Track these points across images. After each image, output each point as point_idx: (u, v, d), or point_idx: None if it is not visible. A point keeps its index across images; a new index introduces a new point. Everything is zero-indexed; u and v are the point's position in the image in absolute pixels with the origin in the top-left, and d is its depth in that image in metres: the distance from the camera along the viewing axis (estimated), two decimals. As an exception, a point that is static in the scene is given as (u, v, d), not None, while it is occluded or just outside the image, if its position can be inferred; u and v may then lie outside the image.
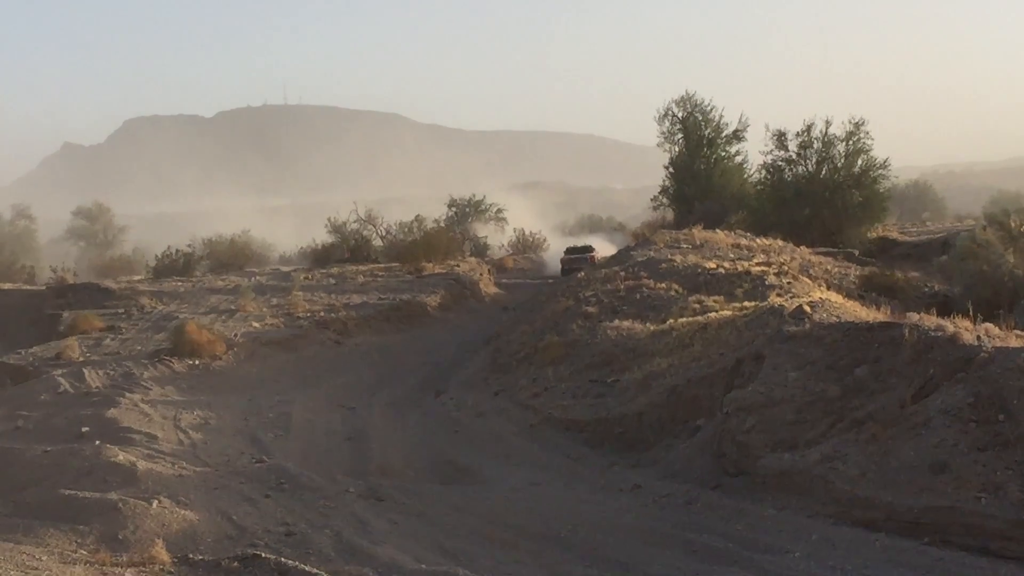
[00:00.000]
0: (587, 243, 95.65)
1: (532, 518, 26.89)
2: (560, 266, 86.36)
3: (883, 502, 23.70)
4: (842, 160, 72.45)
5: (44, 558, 18.54)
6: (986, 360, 25.11)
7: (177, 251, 78.60)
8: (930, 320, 27.79)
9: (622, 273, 46.26)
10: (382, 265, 75.80)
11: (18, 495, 27.54)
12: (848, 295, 37.94)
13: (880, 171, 71.99)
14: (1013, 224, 40.16)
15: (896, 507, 23.45)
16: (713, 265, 44.70)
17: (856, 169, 71.96)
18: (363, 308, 57.47)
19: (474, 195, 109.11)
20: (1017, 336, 26.28)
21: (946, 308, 30.51)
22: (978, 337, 26.23)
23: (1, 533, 22.77)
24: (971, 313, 28.06)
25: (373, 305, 58.36)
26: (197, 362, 45.25)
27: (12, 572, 15.79)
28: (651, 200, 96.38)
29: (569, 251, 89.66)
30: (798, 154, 73.93)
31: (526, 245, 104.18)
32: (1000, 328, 27.22)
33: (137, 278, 78.88)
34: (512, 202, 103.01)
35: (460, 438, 35.66)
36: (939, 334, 26.81)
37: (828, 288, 39.89)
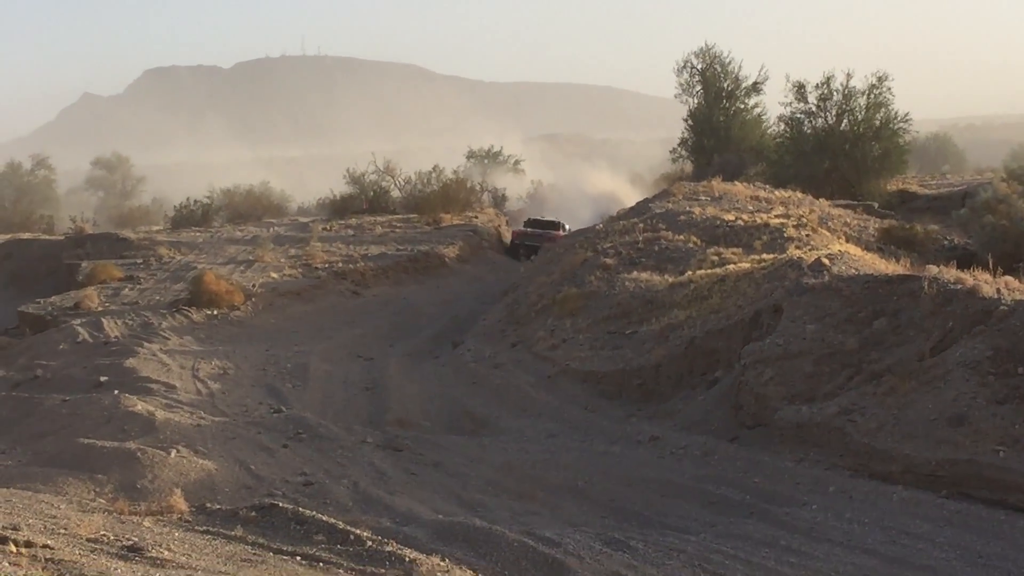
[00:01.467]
0: (554, 218, 73.52)
1: (549, 469, 26.93)
2: (511, 240, 72.14)
3: (901, 455, 23.69)
4: (862, 113, 72.06)
5: (63, 506, 18.58)
6: (1006, 313, 25.03)
7: (195, 201, 78.39)
8: (949, 273, 27.67)
9: (640, 225, 46.10)
10: (400, 216, 75.67)
11: (37, 444, 27.65)
12: (867, 248, 37.78)
13: (900, 124, 71.63)
14: (1033, 177, 40.00)
15: (914, 460, 23.44)
16: (732, 217, 44.52)
17: (876, 122, 71.56)
18: (381, 259, 57.44)
19: (492, 146, 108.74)
20: (1036, 289, 26.18)
21: (966, 261, 30.36)
22: (998, 290, 26.14)
23: (20, 481, 22.88)
24: (991, 266, 27.94)
25: (391, 256, 58.32)
26: (215, 312, 45.30)
27: (31, 520, 15.82)
28: (670, 152, 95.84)
29: (529, 223, 72.60)
30: (818, 106, 73.48)
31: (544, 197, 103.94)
32: (1020, 281, 27.09)
33: (155, 228, 78.84)
34: (530, 153, 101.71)
35: (477, 389, 35.68)
36: (958, 287, 26.72)
37: (847, 241, 39.75)
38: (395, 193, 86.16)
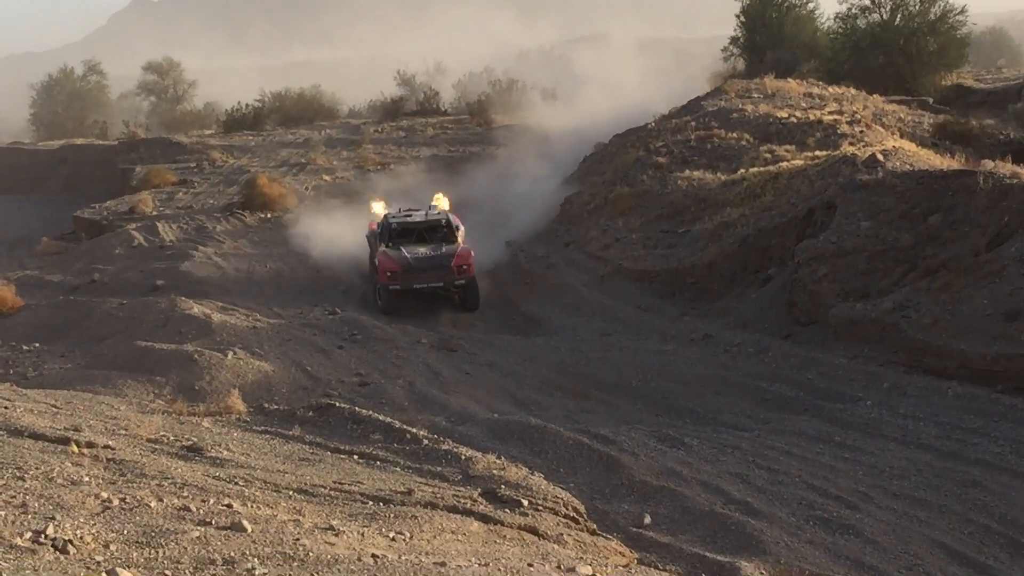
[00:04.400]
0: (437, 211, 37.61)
1: (603, 368, 27.06)
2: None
3: (956, 350, 23.65)
4: (917, 7, 71.04)
5: (123, 408, 18.83)
6: (1062, 207, 24.83)
7: (247, 105, 78.41)
8: (1005, 167, 27.42)
9: (693, 123, 45.80)
10: (451, 118, 75.45)
11: (96, 347, 28.04)
12: (921, 143, 37.38)
13: (956, 17, 70.60)
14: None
15: (969, 355, 23.40)
16: (784, 114, 44.13)
17: (931, 16, 70.59)
18: (433, 160, 57.36)
19: (541, 46, 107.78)
20: (1094, 183, 25.89)
21: (1021, 156, 30.00)
22: (1054, 184, 25.89)
23: (80, 384, 23.22)
24: (1047, 160, 27.70)
25: (443, 157, 58.18)
26: (269, 215, 45.47)
27: (92, 421, 16.04)
28: (721, 50, 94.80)
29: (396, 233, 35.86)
30: (872, 1, 72.51)
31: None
32: (1077, 175, 26.81)
33: (208, 132, 78.94)
34: (579, 55, 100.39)
35: (530, 289, 35.78)
36: (1014, 181, 26.48)
37: (901, 137, 39.36)
38: (447, 94, 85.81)
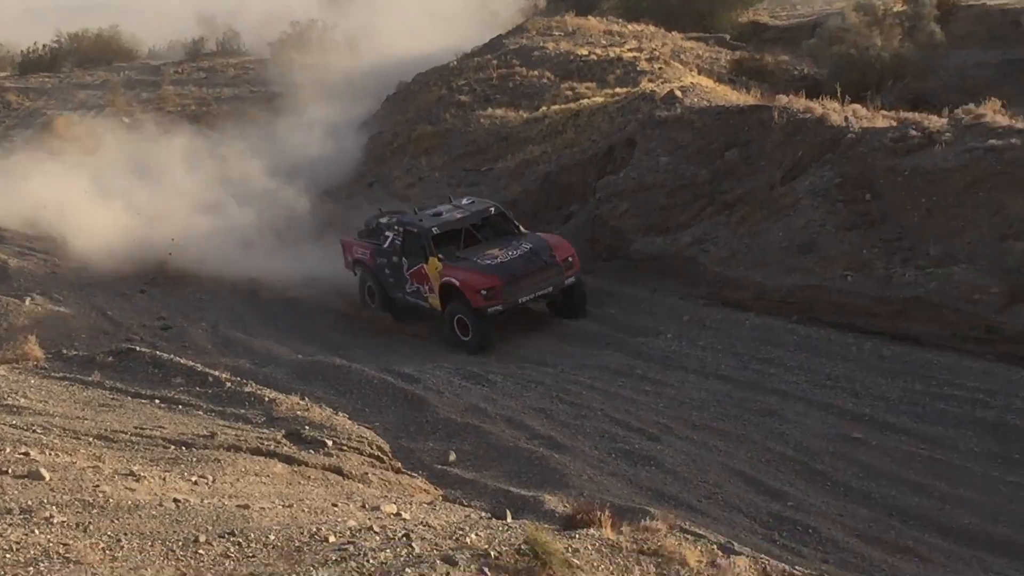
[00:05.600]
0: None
1: (405, 312, 27.07)
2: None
3: (753, 282, 24.20)
4: (714, -56, 71.93)
5: (-87, 358, 18.38)
6: (853, 141, 25.42)
7: (43, 46, 76.22)
8: (799, 102, 27.92)
9: (495, 62, 45.76)
10: (254, 57, 74.21)
11: None
12: (719, 80, 37.86)
13: (752, -45, 71.68)
14: (880, 7, 40.21)
15: (765, 287, 23.97)
16: (585, 52, 44.29)
17: (727, -47, 71.54)
18: (234, 101, 56.40)
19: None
20: (883, 116, 26.49)
21: (815, 91, 30.59)
22: (845, 119, 26.46)
23: None
24: (839, 95, 28.21)
25: (246, 98, 57.25)
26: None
27: None
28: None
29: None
30: (669, -62, 73.21)
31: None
32: (867, 109, 27.42)
33: (3, 75, 76.60)
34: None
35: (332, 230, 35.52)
36: (807, 116, 27.02)
37: (699, 73, 39.78)
38: (246, 35, 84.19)
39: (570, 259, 25.25)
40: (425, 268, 25.88)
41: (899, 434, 18.44)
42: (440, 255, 25.63)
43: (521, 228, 26.56)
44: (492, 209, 26.88)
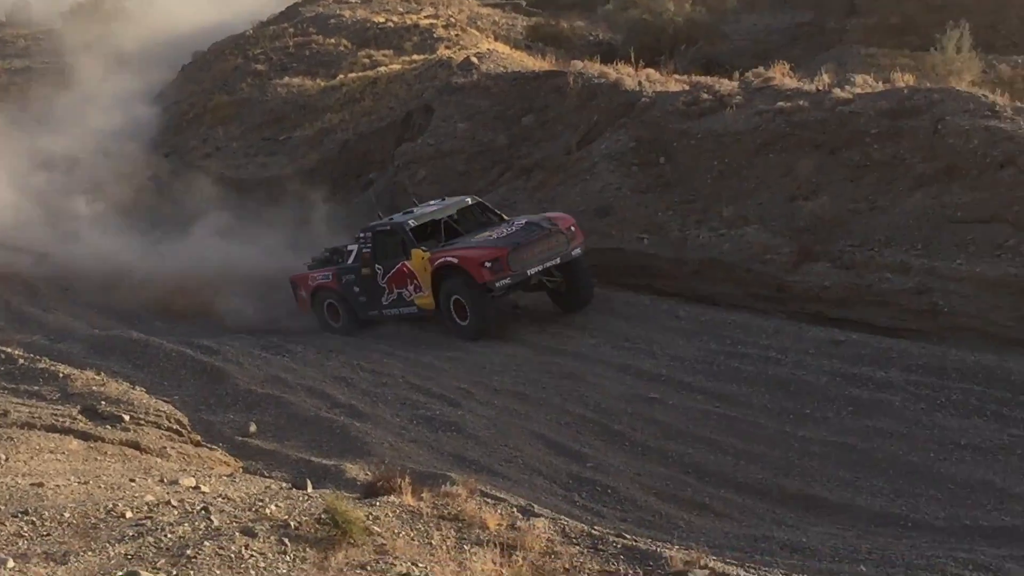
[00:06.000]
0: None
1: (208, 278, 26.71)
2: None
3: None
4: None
5: None
6: (647, 105, 25.80)
7: None
8: (593, 67, 28.23)
9: (291, 30, 45.31)
10: (46, 28, 72.24)
11: None
12: (515, 46, 38.05)
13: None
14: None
15: (563, 251, 24.16)
16: (382, 19, 44.08)
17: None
18: (25, 73, 54.73)
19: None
20: (676, 80, 26.93)
21: (610, 56, 30.94)
22: (639, 83, 26.83)
23: None
24: (633, 60, 28.55)
25: (35, 70, 55.54)
26: None
27: None
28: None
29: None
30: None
31: None
32: (661, 73, 27.82)
33: None
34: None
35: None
36: (602, 81, 27.32)
37: (495, 39, 39.93)
38: (38, 6, 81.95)
39: (572, 228, 22.41)
40: (407, 265, 22.78)
41: (695, 393, 18.73)
42: (423, 248, 22.74)
43: (504, 217, 23.63)
44: (469, 200, 24.25)
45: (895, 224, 21.52)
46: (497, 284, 21.55)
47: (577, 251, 22.16)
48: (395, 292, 23.18)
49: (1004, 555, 12.92)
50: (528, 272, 21.81)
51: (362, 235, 23.97)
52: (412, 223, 23.20)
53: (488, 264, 21.44)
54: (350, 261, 24.27)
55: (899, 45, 32.67)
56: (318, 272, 24.90)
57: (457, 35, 39.40)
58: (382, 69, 36.24)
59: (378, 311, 23.71)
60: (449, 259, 22.08)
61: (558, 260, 22.00)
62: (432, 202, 24.48)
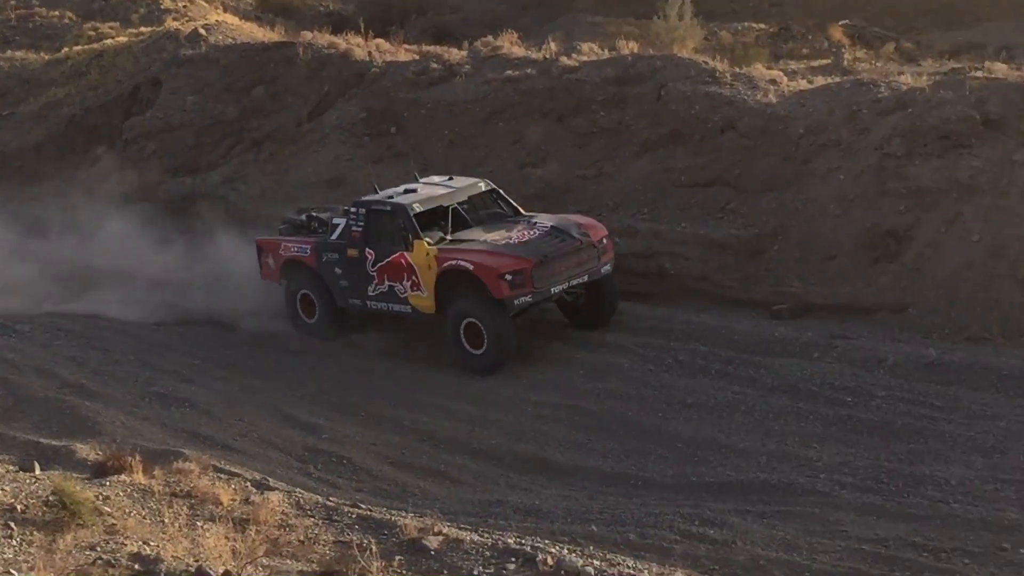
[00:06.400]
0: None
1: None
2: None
3: (281, 217, 24.22)
4: None
5: None
6: (377, 75, 25.95)
7: None
8: (323, 38, 28.20)
9: (12, 2, 44.08)
10: None
11: None
12: (244, 17, 37.70)
13: None
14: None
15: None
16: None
17: None
18: None
19: None
20: (407, 51, 27.09)
21: (341, 27, 30.92)
22: (369, 53, 26.92)
23: None
24: (363, 30, 28.58)
25: None
26: None
27: None
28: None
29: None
30: None
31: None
32: (391, 44, 27.93)
33: None
34: None
35: None
36: (332, 52, 27.32)
37: (224, 11, 39.48)
38: None
39: (604, 241, 19.65)
40: (407, 257, 19.52)
41: (424, 363, 19.40)
42: (428, 240, 19.44)
43: (521, 210, 20.54)
44: (483, 185, 20.70)
45: (622, 189, 22.19)
46: (516, 302, 18.74)
47: (607, 268, 19.64)
48: (386, 284, 20.01)
49: (728, 509, 13.40)
50: (551, 291, 19.17)
51: (353, 210, 20.47)
52: (417, 207, 19.79)
53: (509, 276, 18.50)
54: (334, 237, 20.81)
55: (625, 13, 33.47)
56: (293, 242, 21.38)
57: (185, 7, 38.79)
58: (108, 42, 35.45)
59: (361, 301, 20.46)
60: (462, 264, 19.00)
61: (586, 278, 19.41)
62: (436, 179, 21.08)
